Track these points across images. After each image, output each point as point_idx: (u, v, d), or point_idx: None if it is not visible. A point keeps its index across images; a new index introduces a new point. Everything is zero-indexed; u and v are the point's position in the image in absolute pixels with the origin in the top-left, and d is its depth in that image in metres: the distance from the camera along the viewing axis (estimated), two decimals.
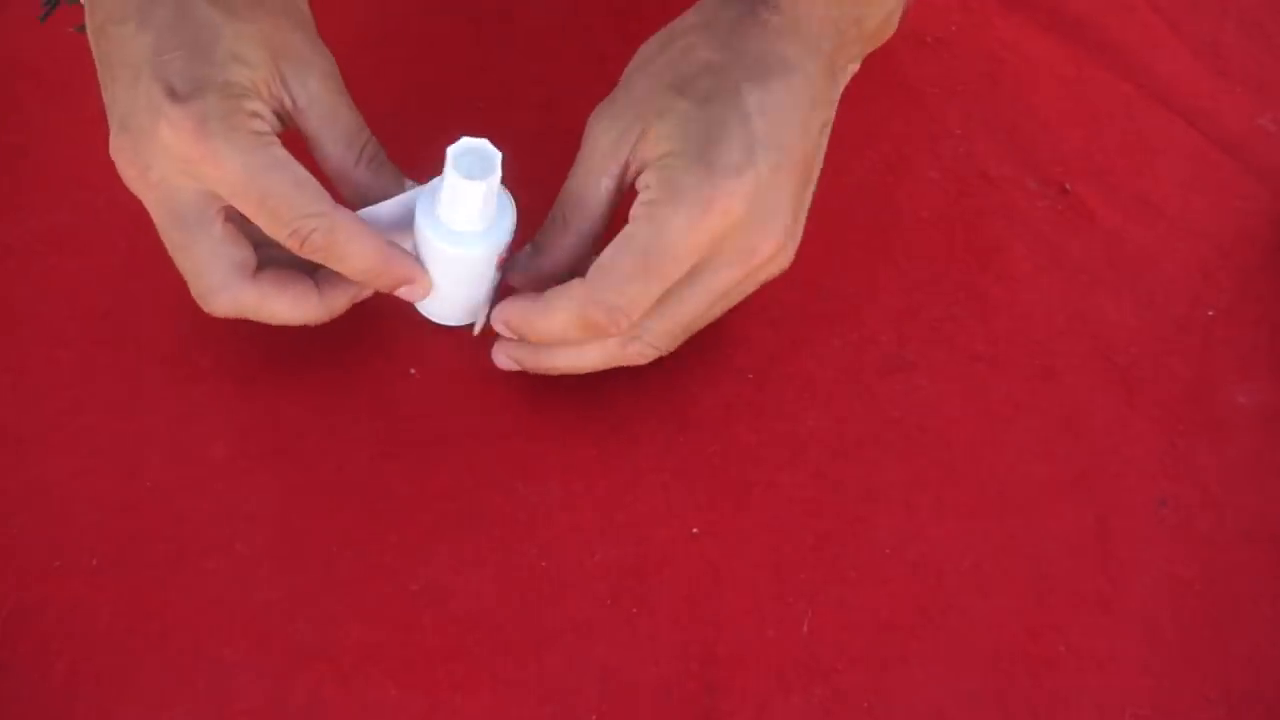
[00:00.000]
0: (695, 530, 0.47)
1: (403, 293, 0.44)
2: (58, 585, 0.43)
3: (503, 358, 0.47)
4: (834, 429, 0.49)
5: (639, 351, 0.44)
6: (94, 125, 0.43)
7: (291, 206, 0.40)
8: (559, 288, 0.43)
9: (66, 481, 0.45)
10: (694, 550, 0.46)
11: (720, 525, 0.47)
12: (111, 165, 0.41)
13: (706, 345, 0.48)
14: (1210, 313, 0.54)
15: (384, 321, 0.49)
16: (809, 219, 0.44)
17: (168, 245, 0.42)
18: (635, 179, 0.43)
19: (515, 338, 0.45)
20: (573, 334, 0.43)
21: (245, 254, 0.42)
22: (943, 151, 0.57)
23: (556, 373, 0.46)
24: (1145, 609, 0.47)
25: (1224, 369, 0.53)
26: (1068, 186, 0.57)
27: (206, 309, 0.43)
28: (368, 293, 0.45)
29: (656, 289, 0.42)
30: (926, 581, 0.46)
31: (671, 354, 0.45)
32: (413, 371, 0.49)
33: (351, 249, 0.41)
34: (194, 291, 0.43)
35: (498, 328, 0.45)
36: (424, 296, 0.45)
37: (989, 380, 0.51)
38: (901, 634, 0.45)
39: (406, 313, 0.47)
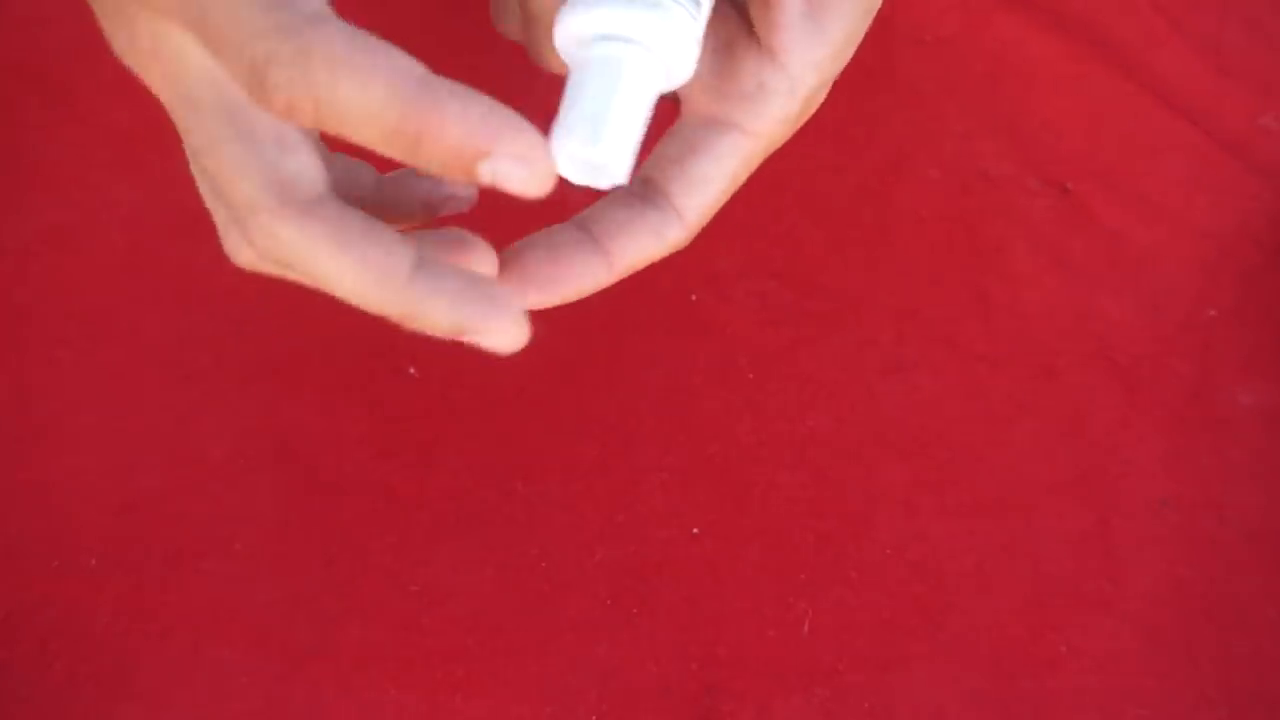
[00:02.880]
0: (695, 530, 0.46)
1: (504, 177, 0.25)
2: (57, 585, 0.43)
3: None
4: (834, 429, 0.49)
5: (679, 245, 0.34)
6: (94, 125, 0.43)
7: (240, 21, 0.24)
8: (654, 223, 0.33)
9: (66, 481, 0.45)
10: (694, 550, 0.46)
11: (720, 525, 0.47)
12: (111, 164, 0.41)
13: (707, 344, 0.48)
14: (1212, 312, 0.54)
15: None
16: (809, 220, 0.44)
17: (190, 156, 0.28)
18: None
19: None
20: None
21: (296, 164, 0.27)
22: (943, 151, 0.57)
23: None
24: (1146, 609, 0.47)
25: (1226, 369, 0.52)
26: (1068, 186, 0.57)
27: (237, 257, 0.28)
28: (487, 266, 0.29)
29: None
30: (926, 581, 0.46)
31: (671, 353, 0.45)
32: (412, 371, 0.49)
33: (349, 89, 0.24)
34: (232, 221, 0.27)
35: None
36: (543, 179, 0.25)
37: (989, 380, 0.51)
38: (902, 634, 0.45)
39: None
